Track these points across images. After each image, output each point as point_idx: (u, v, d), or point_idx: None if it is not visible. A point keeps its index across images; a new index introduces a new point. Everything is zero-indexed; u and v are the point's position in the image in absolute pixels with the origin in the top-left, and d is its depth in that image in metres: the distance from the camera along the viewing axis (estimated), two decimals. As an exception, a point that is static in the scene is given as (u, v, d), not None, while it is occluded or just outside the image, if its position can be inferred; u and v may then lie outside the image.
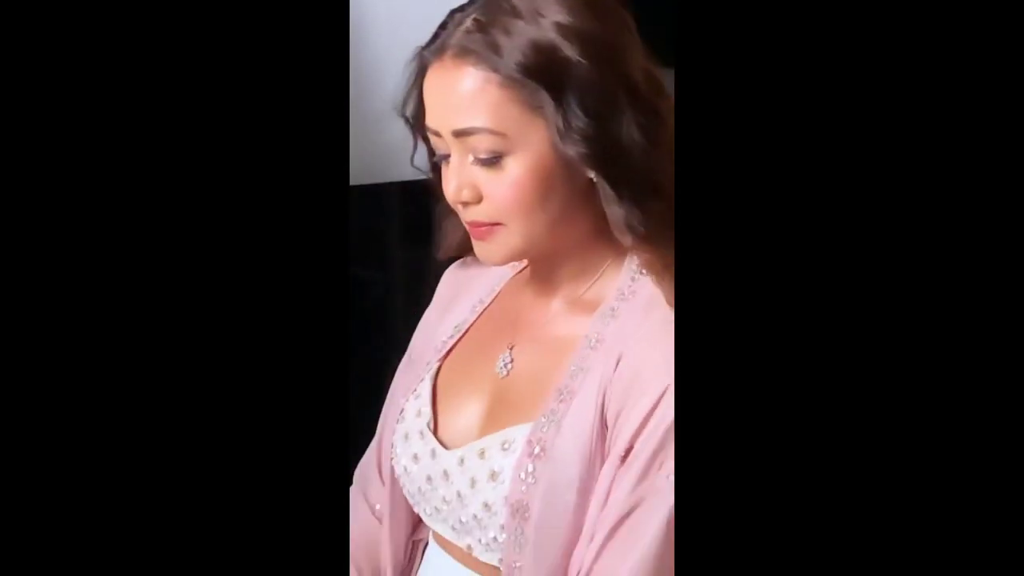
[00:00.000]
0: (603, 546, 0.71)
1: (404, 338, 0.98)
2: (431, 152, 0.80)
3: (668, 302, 0.72)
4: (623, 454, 0.71)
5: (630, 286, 0.76)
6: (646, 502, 0.69)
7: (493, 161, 0.72)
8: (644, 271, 0.76)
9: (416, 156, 0.82)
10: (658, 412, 0.70)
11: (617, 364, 0.74)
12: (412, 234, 1.85)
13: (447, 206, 0.79)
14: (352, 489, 0.93)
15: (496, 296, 0.88)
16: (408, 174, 0.88)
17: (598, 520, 0.71)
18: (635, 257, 0.77)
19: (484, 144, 0.72)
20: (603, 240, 0.77)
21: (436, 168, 0.80)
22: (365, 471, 0.94)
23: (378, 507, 0.90)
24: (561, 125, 0.70)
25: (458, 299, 0.92)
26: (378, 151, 1.70)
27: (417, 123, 0.79)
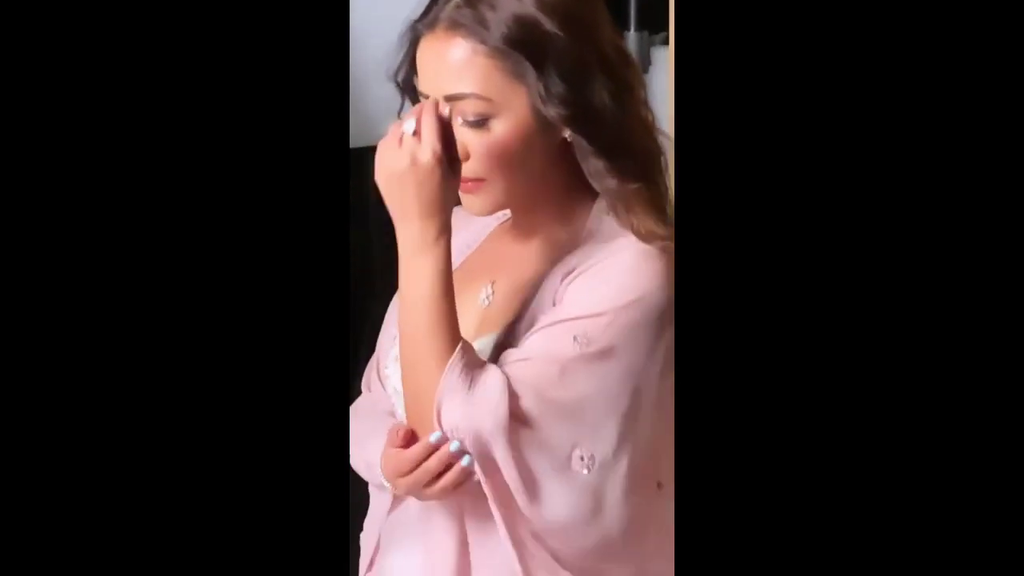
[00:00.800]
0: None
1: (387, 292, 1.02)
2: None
3: (629, 232, 0.82)
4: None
5: (597, 227, 0.85)
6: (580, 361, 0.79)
7: (479, 123, 0.81)
8: (609, 212, 0.84)
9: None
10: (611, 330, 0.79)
11: (573, 271, 0.84)
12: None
13: None
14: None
15: (482, 241, 0.97)
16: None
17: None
18: (601, 201, 0.85)
19: (471, 108, 0.80)
20: (575, 192, 0.87)
21: None
22: (368, 383, 1.01)
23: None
24: (542, 90, 0.78)
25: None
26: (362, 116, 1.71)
27: (407, 87, 0.89)
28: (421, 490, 0.80)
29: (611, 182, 0.81)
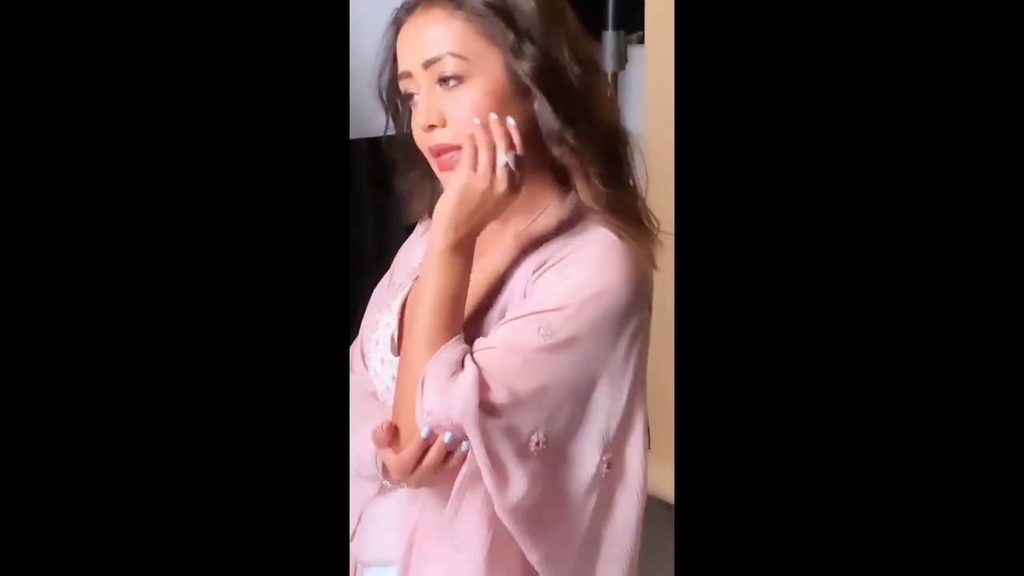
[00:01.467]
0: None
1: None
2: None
3: (598, 221, 0.85)
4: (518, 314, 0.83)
5: (568, 220, 0.87)
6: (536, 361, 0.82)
7: (455, 84, 0.83)
8: (579, 205, 0.86)
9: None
10: (579, 319, 0.81)
11: (544, 265, 0.86)
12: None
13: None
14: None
15: None
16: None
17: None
18: (573, 195, 0.87)
19: (448, 67, 0.83)
20: (547, 181, 0.89)
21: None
22: (353, 364, 1.04)
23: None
24: (514, 45, 0.82)
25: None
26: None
27: (389, 92, 0.92)
28: (428, 480, 0.83)
29: (568, 148, 0.84)
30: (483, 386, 0.80)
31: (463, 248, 0.82)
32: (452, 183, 0.82)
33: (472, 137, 0.82)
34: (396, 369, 0.89)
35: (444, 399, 0.80)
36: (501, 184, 0.80)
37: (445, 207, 0.81)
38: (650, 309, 0.87)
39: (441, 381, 0.80)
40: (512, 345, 0.82)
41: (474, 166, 0.81)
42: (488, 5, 0.82)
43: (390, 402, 0.91)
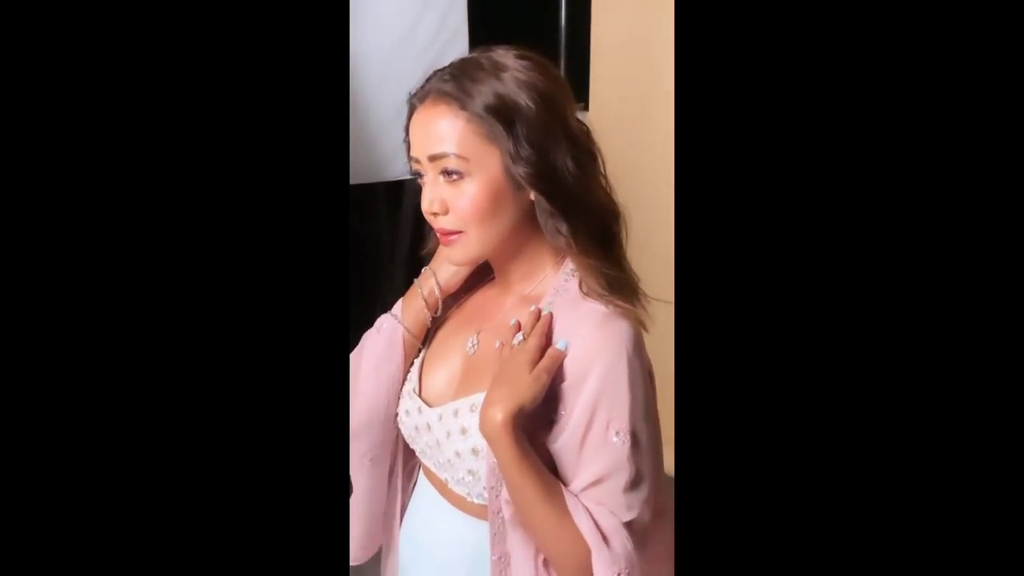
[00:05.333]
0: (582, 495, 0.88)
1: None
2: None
3: (593, 297, 0.89)
4: (561, 412, 0.87)
5: (564, 284, 0.92)
6: (609, 465, 0.85)
7: (457, 179, 0.87)
8: (575, 273, 0.92)
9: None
10: (590, 381, 0.85)
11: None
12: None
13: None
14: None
15: (470, 295, 1.06)
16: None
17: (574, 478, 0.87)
18: (569, 263, 0.93)
19: (451, 164, 0.86)
20: (544, 251, 0.94)
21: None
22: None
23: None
24: (512, 152, 0.85)
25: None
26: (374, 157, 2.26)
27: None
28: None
29: (565, 239, 0.87)
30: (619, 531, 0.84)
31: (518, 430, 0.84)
32: (500, 397, 0.84)
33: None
34: (419, 420, 0.97)
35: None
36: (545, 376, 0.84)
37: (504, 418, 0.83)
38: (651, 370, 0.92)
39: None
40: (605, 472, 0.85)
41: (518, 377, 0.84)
42: (488, 109, 0.85)
43: (414, 443, 1.01)
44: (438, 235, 0.91)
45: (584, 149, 0.90)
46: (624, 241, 0.94)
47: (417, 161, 0.90)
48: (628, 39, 2.59)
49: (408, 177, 1.00)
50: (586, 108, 2.76)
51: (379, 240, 2.44)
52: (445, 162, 0.86)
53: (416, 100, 0.90)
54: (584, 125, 0.92)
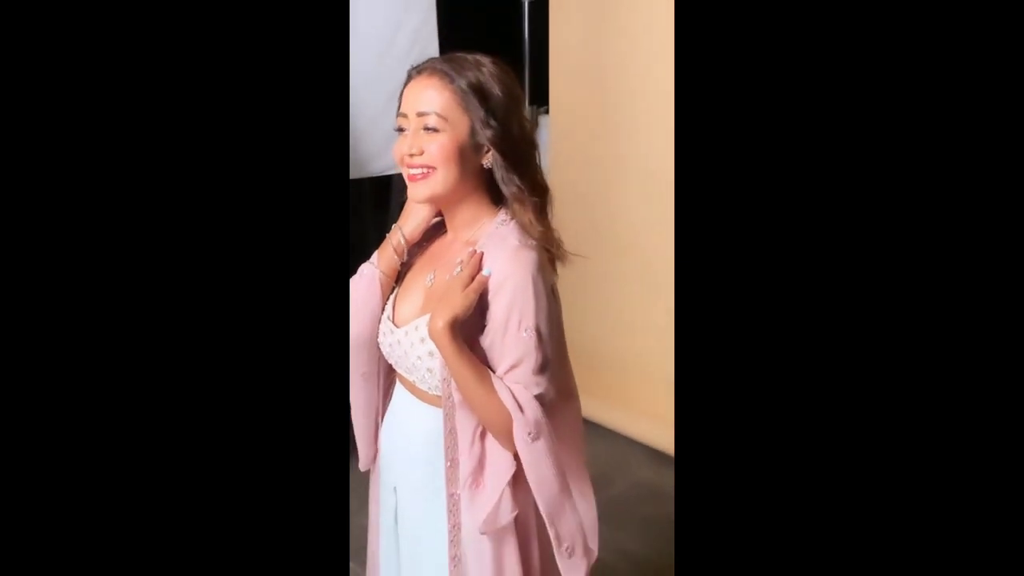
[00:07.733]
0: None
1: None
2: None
3: (520, 235, 1.14)
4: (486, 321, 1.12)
5: (495, 231, 1.16)
6: (521, 353, 1.10)
7: (434, 133, 1.10)
8: (504, 223, 1.17)
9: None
10: (505, 294, 1.10)
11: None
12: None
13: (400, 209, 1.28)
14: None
15: (429, 244, 1.30)
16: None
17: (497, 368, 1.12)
18: (500, 214, 1.18)
19: (432, 121, 1.10)
20: (484, 204, 1.19)
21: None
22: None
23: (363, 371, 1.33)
24: (482, 120, 1.10)
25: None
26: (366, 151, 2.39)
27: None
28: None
29: (515, 189, 1.13)
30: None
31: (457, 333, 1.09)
32: (446, 305, 1.08)
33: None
34: (391, 337, 1.22)
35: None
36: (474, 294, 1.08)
37: (446, 321, 1.08)
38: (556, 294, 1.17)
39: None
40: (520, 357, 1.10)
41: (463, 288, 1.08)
42: (470, 86, 1.10)
43: (390, 357, 1.25)
44: (407, 178, 1.14)
45: (530, 135, 1.16)
46: (549, 211, 1.18)
47: (404, 116, 1.13)
48: (582, 50, 2.73)
49: (394, 172, 1.24)
50: (547, 111, 2.92)
51: (365, 234, 2.56)
52: (428, 119, 1.09)
53: (415, 72, 1.14)
54: (530, 121, 1.17)
